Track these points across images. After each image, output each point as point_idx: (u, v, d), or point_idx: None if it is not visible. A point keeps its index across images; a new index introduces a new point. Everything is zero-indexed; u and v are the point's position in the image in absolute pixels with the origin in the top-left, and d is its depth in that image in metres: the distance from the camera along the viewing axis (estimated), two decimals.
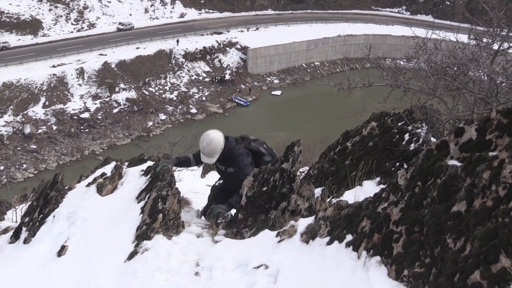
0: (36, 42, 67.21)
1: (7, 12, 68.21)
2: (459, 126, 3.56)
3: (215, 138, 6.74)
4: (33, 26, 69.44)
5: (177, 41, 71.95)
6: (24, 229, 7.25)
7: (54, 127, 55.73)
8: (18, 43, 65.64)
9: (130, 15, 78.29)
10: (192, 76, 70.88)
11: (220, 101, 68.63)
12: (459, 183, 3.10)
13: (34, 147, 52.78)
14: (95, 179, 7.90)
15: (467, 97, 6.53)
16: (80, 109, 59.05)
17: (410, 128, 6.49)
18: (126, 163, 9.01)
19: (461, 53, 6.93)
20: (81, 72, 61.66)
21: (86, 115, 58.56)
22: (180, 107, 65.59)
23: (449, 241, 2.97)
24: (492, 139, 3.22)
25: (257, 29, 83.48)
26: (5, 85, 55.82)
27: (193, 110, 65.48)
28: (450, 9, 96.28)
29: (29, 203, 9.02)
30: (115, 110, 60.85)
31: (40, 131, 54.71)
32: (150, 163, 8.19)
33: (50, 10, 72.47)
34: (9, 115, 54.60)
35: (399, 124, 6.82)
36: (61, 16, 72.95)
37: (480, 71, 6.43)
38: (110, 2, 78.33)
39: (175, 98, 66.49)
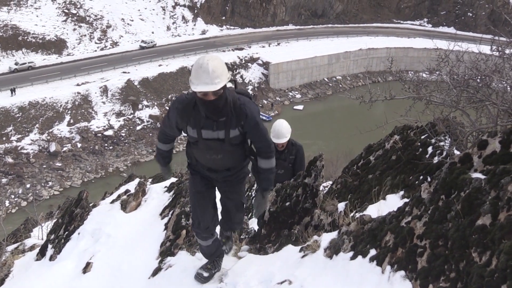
0: (60, 61, 68.27)
1: (32, 32, 69.49)
2: (482, 139, 3.53)
3: (218, 58, 4.26)
4: (57, 45, 70.60)
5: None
6: (50, 246, 7.34)
7: (79, 145, 56.37)
8: (43, 63, 66.75)
9: (153, 33, 79.16)
10: None
11: None
12: (483, 196, 3.07)
13: (59, 164, 53.40)
14: (119, 196, 7.97)
15: (490, 109, 6.46)
16: (104, 126, 59.67)
17: (433, 141, 6.44)
18: (150, 180, 9.09)
19: (483, 64, 6.88)
20: (104, 90, 62.39)
21: (110, 132, 59.14)
22: None
23: (474, 255, 2.93)
24: None
25: (279, 44, 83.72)
26: (31, 104, 56.73)
27: None
28: (473, 21, 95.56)
29: (54, 221, 9.14)
30: (138, 127, 61.36)
31: (65, 148, 55.37)
32: (173, 179, 8.24)
33: (74, 29, 73.66)
34: (35, 134, 55.39)
35: (422, 137, 6.77)
36: (85, 35, 74.07)
37: (504, 82, 6.37)
38: (132, 20, 79.36)
39: None
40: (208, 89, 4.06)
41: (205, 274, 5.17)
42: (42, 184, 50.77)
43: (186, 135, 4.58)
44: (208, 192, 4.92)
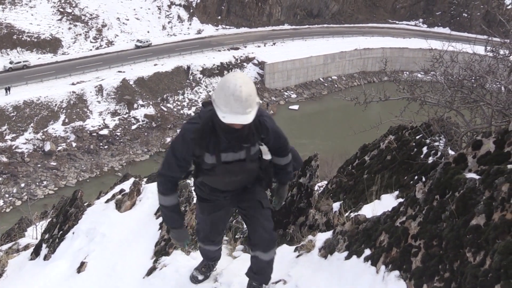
0: (55, 60, 68.06)
1: (27, 31, 69.26)
2: (476, 139, 3.54)
3: (249, 79, 3.74)
4: (53, 44, 70.39)
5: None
6: (44, 245, 7.31)
7: (74, 144, 56.25)
8: (38, 62, 66.52)
9: (148, 32, 79.02)
10: (210, 91, 71.20)
11: None
12: (477, 196, 3.08)
13: (54, 164, 53.27)
14: (114, 196, 7.95)
15: (485, 109, 6.49)
16: (99, 126, 59.57)
17: (428, 141, 6.45)
18: (145, 179, 9.07)
19: (478, 65, 6.91)
20: (100, 89, 62.27)
21: (105, 131, 59.05)
22: None
23: (468, 255, 2.94)
24: (511, 152, 3.19)
25: (274, 44, 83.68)
26: (26, 103, 56.57)
27: None
28: (468, 21, 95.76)
29: (49, 220, 9.11)
30: (133, 127, 61.28)
31: (59, 148, 55.25)
32: None
33: (69, 28, 73.46)
34: (29, 133, 55.25)
35: (417, 137, 6.79)
36: (80, 34, 73.88)
37: (498, 83, 6.39)
38: (128, 19, 79.21)
39: (193, 114, 66.77)
40: (240, 122, 3.57)
41: (200, 277, 5.10)
42: (37, 183, 50.64)
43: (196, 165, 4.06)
44: (219, 213, 4.50)
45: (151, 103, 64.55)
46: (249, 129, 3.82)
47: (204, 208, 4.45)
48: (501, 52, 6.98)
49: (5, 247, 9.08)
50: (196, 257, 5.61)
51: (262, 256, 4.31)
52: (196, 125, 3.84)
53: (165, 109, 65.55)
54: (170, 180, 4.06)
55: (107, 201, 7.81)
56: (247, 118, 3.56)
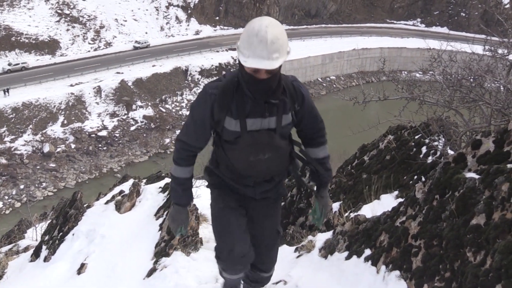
0: (54, 62, 67.95)
1: (26, 33, 69.21)
2: (476, 138, 3.54)
3: (279, 23, 3.18)
4: (51, 46, 70.33)
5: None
6: (44, 247, 7.31)
7: (73, 146, 56.16)
8: (36, 63, 66.42)
9: (146, 33, 78.96)
10: None
11: None
12: (477, 195, 3.08)
13: (53, 165, 53.19)
14: (113, 197, 7.95)
15: (484, 108, 6.49)
16: (98, 127, 59.48)
17: (427, 141, 6.46)
18: (144, 180, 9.07)
19: (476, 64, 6.92)
20: (98, 91, 62.19)
21: (104, 133, 58.95)
22: None
23: (469, 255, 2.94)
24: (510, 151, 3.19)
25: None
26: (25, 105, 56.49)
27: None
28: (466, 21, 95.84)
29: (48, 222, 9.11)
30: (132, 128, 61.19)
31: (58, 149, 55.15)
32: (167, 180, 8.23)
33: (67, 30, 73.41)
34: (28, 134, 55.16)
35: (416, 137, 6.79)
36: (78, 35, 73.83)
37: (496, 82, 6.40)
38: (126, 21, 79.17)
39: None
40: (263, 66, 3.08)
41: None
42: (36, 185, 50.56)
43: (216, 135, 3.49)
44: (241, 210, 3.69)
45: (149, 104, 64.47)
46: (278, 84, 3.28)
47: (222, 196, 3.72)
48: (500, 51, 7.00)
49: (5, 249, 9.08)
50: (196, 258, 5.61)
51: (262, 274, 3.99)
52: (219, 82, 3.49)
53: (163, 110, 65.48)
54: (185, 148, 3.51)
55: (106, 203, 7.82)
56: (272, 63, 3.05)
